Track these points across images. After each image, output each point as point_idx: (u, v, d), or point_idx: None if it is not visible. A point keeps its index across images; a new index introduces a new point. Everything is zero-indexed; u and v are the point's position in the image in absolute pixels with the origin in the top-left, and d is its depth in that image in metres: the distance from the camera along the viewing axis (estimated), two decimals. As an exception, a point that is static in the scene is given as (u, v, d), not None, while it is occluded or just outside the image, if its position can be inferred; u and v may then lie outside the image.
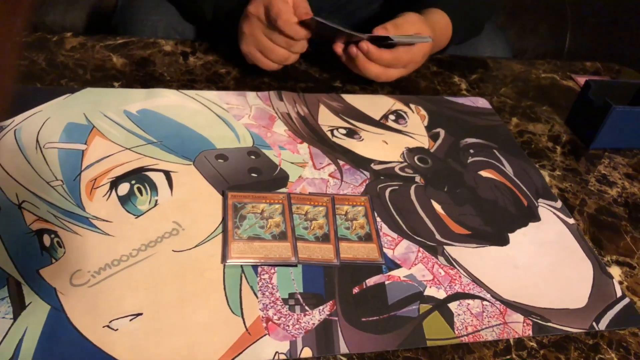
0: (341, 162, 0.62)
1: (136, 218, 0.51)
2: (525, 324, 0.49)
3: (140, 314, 0.44)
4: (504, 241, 0.56)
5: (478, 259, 0.54)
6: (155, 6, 0.82)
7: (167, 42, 0.76)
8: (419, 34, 0.71)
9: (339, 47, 0.70)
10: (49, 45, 0.71)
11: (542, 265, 0.54)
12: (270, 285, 0.48)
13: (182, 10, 0.80)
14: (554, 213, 0.61)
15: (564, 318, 0.50)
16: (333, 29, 0.66)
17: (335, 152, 0.63)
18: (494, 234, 0.57)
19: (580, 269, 0.55)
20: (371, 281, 0.50)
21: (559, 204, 0.62)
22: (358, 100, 0.72)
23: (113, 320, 0.43)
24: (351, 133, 0.67)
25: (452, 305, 0.49)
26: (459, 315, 0.48)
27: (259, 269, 0.49)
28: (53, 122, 0.59)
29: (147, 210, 0.52)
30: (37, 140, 0.57)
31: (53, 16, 0.97)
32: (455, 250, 0.54)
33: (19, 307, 0.42)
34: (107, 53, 0.71)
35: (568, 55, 1.23)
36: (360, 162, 0.62)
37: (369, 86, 0.75)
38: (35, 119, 0.59)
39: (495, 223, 0.58)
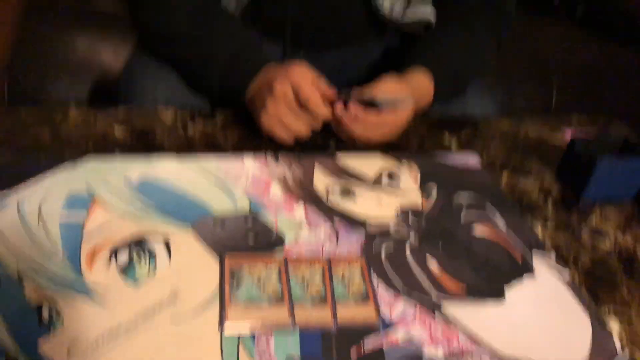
0: (337, 223, 0.63)
1: (135, 287, 0.52)
2: (525, 382, 0.48)
3: (139, 385, 0.44)
4: (500, 295, 0.57)
5: (475, 315, 0.54)
6: (156, 76, 0.85)
7: (167, 111, 0.79)
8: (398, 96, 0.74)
9: (339, 109, 0.73)
10: (53, 118, 0.73)
11: (540, 320, 0.55)
12: (267, 352, 0.48)
13: (187, 79, 0.84)
14: (549, 265, 0.62)
15: (564, 375, 0.49)
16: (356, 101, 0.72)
17: (331, 213, 0.65)
18: (490, 289, 0.57)
19: (578, 323, 0.55)
20: (369, 343, 0.50)
21: (553, 257, 0.63)
22: (352, 161, 0.74)
23: (111, 391, 0.43)
24: (346, 193, 0.68)
25: (451, 365, 0.49)
26: (457, 375, 0.48)
27: (256, 335, 0.49)
28: (55, 194, 0.61)
29: (146, 279, 0.53)
30: (39, 212, 0.58)
31: (58, 90, 1.01)
32: (453, 308, 0.54)
33: (17, 381, 0.43)
34: (108, 124, 0.74)
35: (556, 111, 1.27)
36: (355, 223, 0.64)
37: (362, 147, 0.77)
38: (37, 190, 0.61)
39: (491, 278, 0.59)
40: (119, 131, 0.73)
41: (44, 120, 0.72)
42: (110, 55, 1.06)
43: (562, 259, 0.63)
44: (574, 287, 0.59)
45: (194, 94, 0.85)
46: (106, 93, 0.93)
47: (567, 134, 0.89)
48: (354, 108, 0.71)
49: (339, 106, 0.72)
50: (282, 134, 0.73)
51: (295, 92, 0.71)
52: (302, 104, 0.71)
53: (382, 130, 0.75)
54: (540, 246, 0.64)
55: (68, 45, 1.03)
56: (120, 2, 1.10)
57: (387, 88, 0.74)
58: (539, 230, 0.67)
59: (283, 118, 0.72)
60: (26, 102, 0.75)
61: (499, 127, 0.89)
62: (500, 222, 0.67)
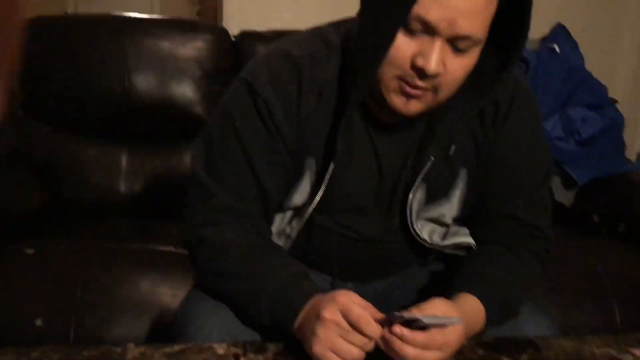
0: None
1: None
2: None
3: None
4: None
5: None
6: (211, 313, 0.88)
7: (220, 345, 0.80)
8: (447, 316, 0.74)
9: (397, 328, 0.73)
10: (113, 357, 0.76)
11: None
12: None
13: (241, 315, 0.87)
14: None
15: None
16: (404, 320, 0.72)
17: None
18: None
19: None
20: None
21: None
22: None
23: None
24: None
25: None
26: None
27: None
28: None
29: None
30: None
31: (119, 329, 1.06)
32: None
33: None
34: (164, 360, 0.76)
35: (622, 330, 1.20)
36: None
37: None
38: None
39: None
40: (174, 367, 0.74)
41: (104, 359, 0.75)
42: (169, 295, 1.12)
43: None
44: None
45: (249, 332, 0.86)
46: (165, 333, 0.96)
47: (638, 354, 0.83)
48: (398, 328, 0.71)
49: (387, 330, 0.72)
50: (334, 359, 0.72)
51: (345, 316, 0.72)
52: (352, 326, 0.71)
53: (433, 352, 0.73)
54: None
55: (131, 286, 1.11)
56: (179, 243, 1.21)
57: (436, 309, 0.75)
58: None
59: (335, 344, 0.71)
60: (89, 342, 0.78)
61: (560, 346, 0.85)
62: None
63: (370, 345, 0.73)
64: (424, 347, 0.72)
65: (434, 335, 0.73)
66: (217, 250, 0.86)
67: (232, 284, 0.85)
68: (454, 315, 0.75)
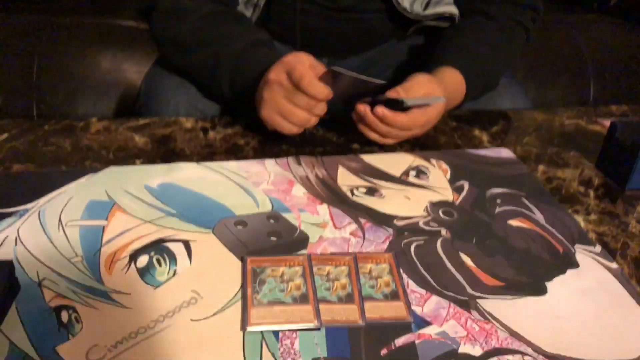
0: (362, 220, 0.60)
1: (155, 289, 0.50)
2: (574, 379, 0.44)
3: (157, 388, 0.42)
4: (541, 291, 0.53)
5: (515, 311, 0.50)
6: (176, 87, 0.85)
7: (188, 119, 0.78)
8: (431, 95, 0.71)
9: (362, 107, 0.70)
10: (75, 130, 0.74)
11: (586, 314, 0.50)
12: (292, 351, 0.45)
13: (201, 87, 0.83)
14: (594, 259, 0.57)
15: (618, 370, 0.45)
16: (353, 79, 0.66)
17: (356, 211, 0.62)
18: (530, 283, 0.53)
19: (630, 316, 0.51)
20: (400, 341, 0.47)
21: (598, 249, 0.59)
22: (377, 160, 0.72)
23: (128, 395, 0.41)
24: (371, 191, 0.66)
25: (491, 363, 0.45)
26: (498, 372, 0.44)
27: (280, 335, 0.46)
28: (75, 201, 0.60)
29: (166, 281, 0.51)
30: (60, 220, 0.57)
31: (83, 107, 1.03)
32: (489, 304, 0.51)
33: (33, 386, 0.41)
34: (129, 134, 0.74)
35: (594, 103, 1.21)
36: (382, 219, 0.61)
37: (388, 146, 0.75)
38: (58, 199, 0.60)
39: (531, 272, 0.55)
40: (139, 140, 0.72)
41: (66, 133, 0.73)
42: (134, 72, 1.07)
43: (609, 250, 0.58)
44: (623, 279, 0.55)
45: (214, 104, 0.84)
46: (131, 109, 0.93)
47: (606, 125, 0.84)
48: (380, 109, 0.69)
49: (365, 108, 0.70)
50: (284, 124, 0.69)
51: (289, 76, 0.66)
52: (296, 87, 0.66)
53: (411, 130, 0.72)
54: (584, 239, 0.60)
55: (92, 63, 1.05)
56: (141, 15, 1.12)
57: (420, 86, 0.71)
58: (581, 221, 0.63)
59: (280, 106, 0.68)
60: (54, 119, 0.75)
61: (533, 119, 0.85)
62: (538, 216, 0.63)
63: (319, 109, 0.68)
64: (406, 128, 0.71)
65: (416, 116, 0.71)
66: (173, 17, 0.79)
67: (191, 52, 0.79)
68: (437, 92, 0.72)
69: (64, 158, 0.68)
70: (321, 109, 0.68)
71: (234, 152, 0.71)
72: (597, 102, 1.21)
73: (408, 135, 0.73)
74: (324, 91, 0.66)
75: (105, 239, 0.55)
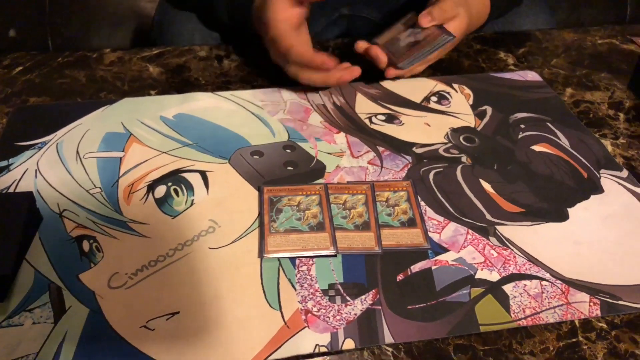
0: (380, 149, 0.59)
1: (173, 219, 0.51)
2: (592, 304, 0.44)
3: (177, 313, 0.43)
4: (562, 217, 0.51)
5: (534, 237, 0.49)
6: (190, 16, 0.82)
7: (202, 47, 0.76)
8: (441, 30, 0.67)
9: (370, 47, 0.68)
10: (89, 62, 0.73)
11: (609, 239, 0.49)
12: (308, 277, 0.46)
13: (201, 16, 0.80)
14: (620, 183, 0.55)
15: (638, 295, 0.44)
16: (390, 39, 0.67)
17: (374, 139, 0.61)
18: (551, 210, 0.52)
19: (654, 241, 0.49)
20: (416, 267, 0.47)
21: (624, 173, 0.57)
22: (397, 85, 0.69)
23: (150, 320, 0.42)
24: (391, 118, 0.64)
25: (507, 288, 0.45)
26: (515, 297, 0.44)
27: (297, 261, 0.47)
28: (92, 133, 0.60)
29: (184, 211, 0.51)
30: (77, 152, 0.58)
31: (98, 40, 1.01)
32: (508, 230, 0.50)
33: (59, 311, 0.43)
34: (143, 64, 0.73)
35: (631, 22, 1.14)
36: (401, 147, 0.59)
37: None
38: (75, 132, 0.61)
39: (552, 198, 0.53)
40: (153, 71, 0.71)
41: (80, 64, 0.72)
42: (147, 1, 1.04)
43: (637, 175, 0.56)
44: (649, 203, 0.53)
45: (227, 31, 0.81)
46: (146, 40, 0.91)
47: (642, 44, 0.79)
48: (393, 72, 0.67)
49: (380, 56, 0.67)
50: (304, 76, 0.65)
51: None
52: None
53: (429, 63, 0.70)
54: (610, 163, 0.58)
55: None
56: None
57: (450, 8, 0.67)
58: (608, 145, 0.61)
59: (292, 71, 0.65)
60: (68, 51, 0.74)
61: (562, 39, 0.80)
62: (563, 140, 0.61)
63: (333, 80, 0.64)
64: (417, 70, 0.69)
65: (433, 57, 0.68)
66: None
67: None
68: (464, 15, 0.67)
69: (79, 90, 0.67)
70: (338, 77, 0.63)
71: (249, 81, 0.70)
72: (634, 21, 1.14)
73: (418, 69, 0.70)
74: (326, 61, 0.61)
75: (122, 170, 0.56)
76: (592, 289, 0.45)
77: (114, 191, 0.53)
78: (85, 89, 0.68)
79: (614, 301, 0.44)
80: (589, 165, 0.58)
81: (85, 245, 0.48)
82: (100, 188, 0.53)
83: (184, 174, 0.55)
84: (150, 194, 0.53)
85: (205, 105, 0.65)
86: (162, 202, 0.52)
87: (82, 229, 0.49)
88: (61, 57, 0.73)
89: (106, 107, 0.64)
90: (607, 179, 0.56)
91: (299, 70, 0.64)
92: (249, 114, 0.64)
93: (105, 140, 0.59)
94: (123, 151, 0.58)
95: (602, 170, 0.57)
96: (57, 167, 0.56)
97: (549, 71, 0.73)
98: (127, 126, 0.61)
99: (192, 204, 0.52)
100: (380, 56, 0.66)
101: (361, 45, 0.68)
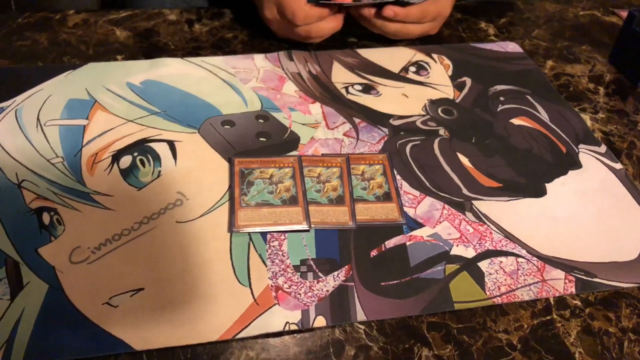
0: (357, 120, 0.57)
1: (138, 190, 0.48)
2: (567, 281, 0.43)
3: (142, 289, 0.41)
4: (540, 192, 0.51)
5: (511, 212, 0.49)
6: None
7: (172, 11, 0.73)
8: None
9: (366, 11, 0.64)
10: (52, 23, 0.69)
11: (585, 215, 0.49)
12: (280, 253, 0.44)
13: None
14: (598, 159, 0.55)
15: (613, 272, 0.44)
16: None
17: (351, 110, 0.59)
18: (529, 185, 0.51)
19: (629, 217, 0.49)
20: (391, 243, 0.45)
21: (603, 148, 0.56)
22: (375, 54, 0.67)
23: (113, 296, 0.40)
24: (368, 89, 0.62)
25: (483, 264, 0.44)
26: (490, 274, 0.43)
27: (268, 236, 0.45)
28: (54, 100, 0.57)
29: (150, 182, 0.49)
30: (38, 119, 0.55)
31: (65, 0, 0.96)
32: (485, 205, 0.49)
33: (16, 287, 0.41)
34: (110, 27, 0.69)
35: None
36: (377, 119, 0.58)
37: (387, 39, 0.70)
38: (36, 97, 0.57)
39: (530, 173, 0.52)
40: (120, 35, 0.68)
41: (42, 26, 0.68)
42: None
43: (614, 150, 0.56)
44: (627, 179, 0.53)
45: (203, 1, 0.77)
46: (114, 2, 0.87)
47: (624, 16, 0.78)
48: (391, 9, 0.62)
49: (370, 12, 0.64)
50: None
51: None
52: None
53: (422, 23, 0.66)
54: (589, 138, 0.57)
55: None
56: None
57: None
58: (587, 119, 0.60)
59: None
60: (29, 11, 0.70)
61: (544, 10, 0.79)
62: (542, 114, 0.60)
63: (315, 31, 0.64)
64: (417, 21, 0.65)
65: (426, 6, 0.64)
66: None
67: None
68: None
69: (40, 53, 0.64)
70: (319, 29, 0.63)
71: (220, 47, 0.67)
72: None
73: (419, 32, 0.68)
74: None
75: (86, 139, 0.53)
76: (567, 266, 0.44)
77: (77, 161, 0.50)
78: (47, 52, 0.64)
79: (589, 278, 0.44)
80: (567, 139, 0.57)
81: (46, 218, 0.45)
82: (62, 157, 0.51)
83: (151, 144, 0.53)
84: (115, 165, 0.50)
85: (174, 71, 0.62)
86: (127, 173, 0.50)
87: (42, 200, 0.47)
88: (21, 18, 0.69)
89: (69, 72, 0.61)
90: (585, 154, 0.55)
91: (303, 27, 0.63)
92: (220, 81, 0.61)
93: (68, 107, 0.56)
94: (87, 119, 0.55)
95: (580, 145, 0.56)
96: (16, 135, 0.53)
97: (530, 42, 0.72)
98: (92, 92, 0.58)
99: (159, 175, 0.50)
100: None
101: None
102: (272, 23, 0.65)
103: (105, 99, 0.57)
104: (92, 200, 0.47)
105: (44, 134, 0.53)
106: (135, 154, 0.52)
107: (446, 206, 0.49)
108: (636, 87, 0.65)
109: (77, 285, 0.41)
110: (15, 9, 0.91)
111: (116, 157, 0.51)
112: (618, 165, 0.54)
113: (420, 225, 0.47)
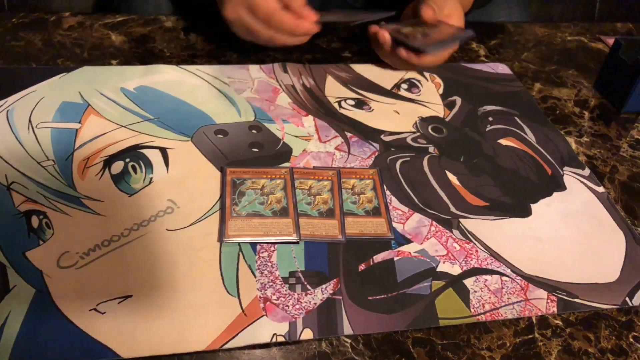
0: (349, 134, 0.58)
1: (129, 197, 0.48)
2: (549, 301, 0.44)
3: (130, 296, 0.41)
4: (525, 212, 0.52)
5: (497, 231, 0.50)
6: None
7: (169, 18, 0.73)
8: (453, 27, 0.65)
9: (381, 35, 0.64)
10: (47, 25, 0.69)
11: (568, 237, 0.50)
12: (269, 264, 0.44)
13: None
14: (582, 182, 0.56)
15: (593, 293, 0.45)
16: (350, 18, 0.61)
17: (343, 124, 0.59)
18: (515, 205, 0.52)
19: (611, 240, 0.50)
20: (379, 257, 0.46)
21: (586, 171, 0.57)
22: (368, 70, 0.68)
23: (100, 303, 0.40)
24: (360, 104, 0.63)
25: (468, 282, 0.45)
26: (475, 292, 0.44)
27: (258, 247, 0.46)
28: (47, 102, 0.57)
29: (141, 189, 0.49)
30: (30, 121, 0.55)
31: (60, 2, 0.96)
32: (472, 223, 0.50)
33: (2, 291, 0.40)
34: (105, 31, 0.69)
35: (599, 20, 1.15)
36: (369, 134, 0.59)
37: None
38: (28, 99, 0.57)
39: (516, 193, 0.54)
40: (116, 39, 0.68)
41: (36, 27, 0.68)
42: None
43: (598, 174, 0.57)
44: (608, 203, 0.54)
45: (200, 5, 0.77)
46: (110, 6, 0.87)
47: (609, 43, 0.80)
48: (406, 53, 0.63)
49: (384, 36, 0.63)
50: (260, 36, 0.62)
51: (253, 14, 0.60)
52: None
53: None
54: (573, 161, 0.58)
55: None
56: None
57: (447, 4, 0.65)
58: (572, 143, 0.61)
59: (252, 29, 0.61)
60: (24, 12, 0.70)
61: (533, 34, 0.81)
62: (529, 135, 0.61)
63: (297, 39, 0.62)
64: (431, 65, 0.66)
65: (442, 56, 0.65)
66: None
67: None
68: (459, 11, 0.66)
69: (34, 54, 0.64)
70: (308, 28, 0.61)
71: (216, 55, 0.67)
72: (602, 18, 1.16)
73: (420, 68, 0.69)
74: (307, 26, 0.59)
75: (78, 142, 0.53)
76: (550, 286, 0.45)
77: (68, 165, 0.50)
78: (41, 53, 0.64)
79: (571, 299, 0.45)
80: (553, 162, 0.58)
81: (34, 221, 0.45)
82: (53, 160, 0.51)
83: (143, 150, 0.53)
84: (107, 170, 0.50)
85: (168, 78, 0.62)
86: (118, 179, 0.50)
87: (32, 203, 0.47)
88: (16, 18, 0.69)
89: (63, 75, 0.61)
90: (569, 177, 0.56)
91: (277, 35, 0.61)
92: (214, 90, 0.62)
93: (61, 110, 0.56)
94: (79, 123, 0.55)
95: (565, 168, 0.57)
96: (7, 136, 0.53)
97: (519, 64, 0.73)
98: (85, 96, 0.58)
99: (150, 182, 0.50)
100: (387, 37, 0.64)
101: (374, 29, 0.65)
102: (233, 23, 0.62)
103: (99, 104, 0.58)
104: (83, 205, 0.47)
105: (36, 136, 0.53)
106: (127, 159, 0.52)
107: (434, 223, 0.50)
108: (620, 112, 0.66)
109: (65, 290, 0.41)
110: (8, 9, 0.91)
111: (108, 162, 0.51)
112: (601, 189, 0.55)
113: (408, 241, 0.48)
